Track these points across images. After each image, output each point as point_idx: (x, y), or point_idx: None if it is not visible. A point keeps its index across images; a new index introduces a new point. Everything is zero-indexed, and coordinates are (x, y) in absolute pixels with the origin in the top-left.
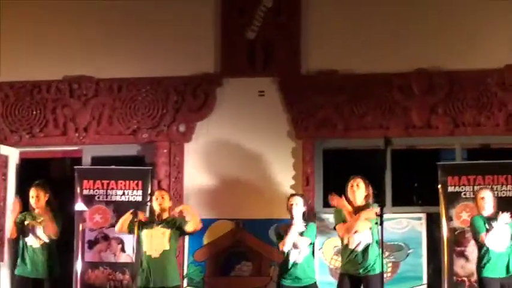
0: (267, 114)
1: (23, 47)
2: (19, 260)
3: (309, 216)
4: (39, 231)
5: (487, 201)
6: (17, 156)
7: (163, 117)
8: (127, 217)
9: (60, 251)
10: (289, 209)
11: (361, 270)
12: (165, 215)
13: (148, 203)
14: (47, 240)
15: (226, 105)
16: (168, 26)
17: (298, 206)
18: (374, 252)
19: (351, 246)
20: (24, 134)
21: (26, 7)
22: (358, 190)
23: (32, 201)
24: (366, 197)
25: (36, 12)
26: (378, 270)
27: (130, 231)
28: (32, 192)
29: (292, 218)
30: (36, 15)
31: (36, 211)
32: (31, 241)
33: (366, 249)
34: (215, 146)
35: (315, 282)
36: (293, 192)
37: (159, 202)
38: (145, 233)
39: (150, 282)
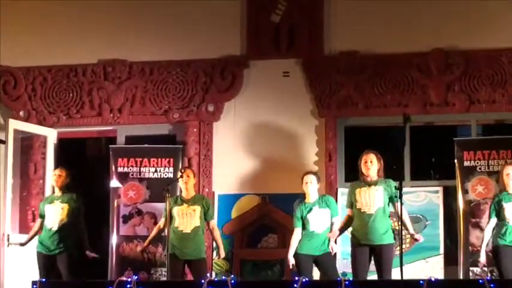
0: (291, 94)
1: (60, 33)
2: (38, 237)
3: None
4: (56, 210)
5: None
6: (55, 136)
7: (193, 97)
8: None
9: (96, 225)
10: (305, 187)
11: (375, 240)
12: (191, 193)
13: (180, 179)
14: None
15: (252, 85)
16: (197, 12)
17: (313, 184)
18: (387, 221)
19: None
20: (61, 115)
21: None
22: (372, 166)
23: (54, 179)
24: (378, 171)
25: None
26: (389, 241)
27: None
28: (56, 171)
29: (307, 195)
30: (73, 3)
31: (56, 193)
32: (49, 223)
33: (377, 218)
34: (242, 125)
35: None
36: (316, 168)
37: (185, 180)
38: (176, 210)
39: (181, 255)
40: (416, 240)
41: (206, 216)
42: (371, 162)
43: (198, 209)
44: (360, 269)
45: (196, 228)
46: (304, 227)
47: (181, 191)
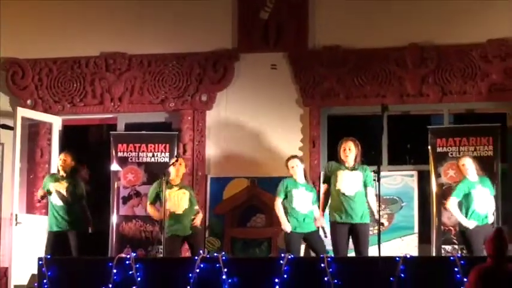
0: (278, 85)
1: (64, 28)
2: (49, 217)
3: (306, 173)
4: (61, 191)
5: (468, 167)
6: (60, 123)
7: (187, 88)
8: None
9: (97, 206)
10: (292, 171)
11: (354, 219)
12: (178, 180)
13: (174, 164)
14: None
15: (242, 77)
16: (192, 9)
17: (299, 167)
18: (364, 203)
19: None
20: (66, 104)
21: None
22: (350, 153)
23: (59, 163)
24: (356, 157)
25: None
26: (367, 221)
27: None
28: (61, 156)
29: (295, 178)
30: (77, 1)
31: (61, 173)
32: (55, 200)
33: (356, 199)
34: (233, 113)
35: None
36: (301, 153)
37: (177, 167)
38: (168, 193)
39: (175, 231)
40: (381, 224)
41: (192, 202)
42: (349, 149)
43: (187, 193)
44: (341, 246)
45: (186, 210)
46: (287, 203)
47: (169, 175)
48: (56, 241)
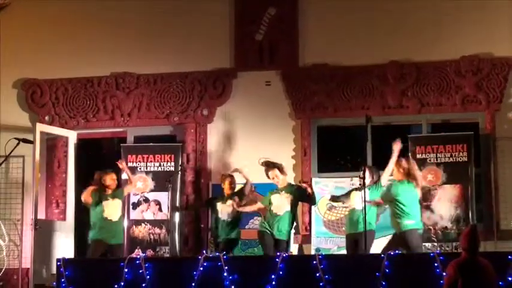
0: (272, 100)
1: (78, 51)
2: (98, 227)
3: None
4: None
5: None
6: (75, 137)
7: (190, 103)
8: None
9: None
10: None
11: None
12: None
13: (179, 172)
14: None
15: (240, 93)
16: (194, 32)
17: (278, 177)
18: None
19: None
20: (80, 119)
21: (80, 22)
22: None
23: (110, 182)
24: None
25: (91, 22)
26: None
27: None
28: (113, 176)
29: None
30: (90, 28)
31: (108, 191)
32: (108, 213)
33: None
34: (232, 126)
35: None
36: (293, 162)
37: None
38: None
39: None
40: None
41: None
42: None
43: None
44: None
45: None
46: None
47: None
48: (104, 251)
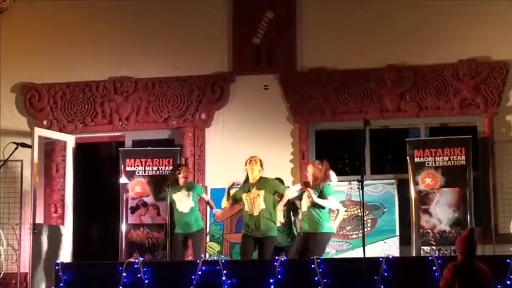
0: (270, 104)
1: (77, 55)
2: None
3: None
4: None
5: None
6: (73, 141)
7: (188, 107)
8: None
9: (108, 215)
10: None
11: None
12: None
13: (178, 170)
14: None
15: (238, 97)
16: (192, 36)
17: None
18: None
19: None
20: (78, 124)
21: (78, 26)
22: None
23: (183, 174)
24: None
25: (89, 27)
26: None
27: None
28: (186, 169)
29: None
30: (88, 32)
31: (181, 183)
32: (180, 206)
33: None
34: (230, 130)
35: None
36: (292, 165)
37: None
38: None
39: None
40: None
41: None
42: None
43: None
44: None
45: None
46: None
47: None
48: (184, 241)
